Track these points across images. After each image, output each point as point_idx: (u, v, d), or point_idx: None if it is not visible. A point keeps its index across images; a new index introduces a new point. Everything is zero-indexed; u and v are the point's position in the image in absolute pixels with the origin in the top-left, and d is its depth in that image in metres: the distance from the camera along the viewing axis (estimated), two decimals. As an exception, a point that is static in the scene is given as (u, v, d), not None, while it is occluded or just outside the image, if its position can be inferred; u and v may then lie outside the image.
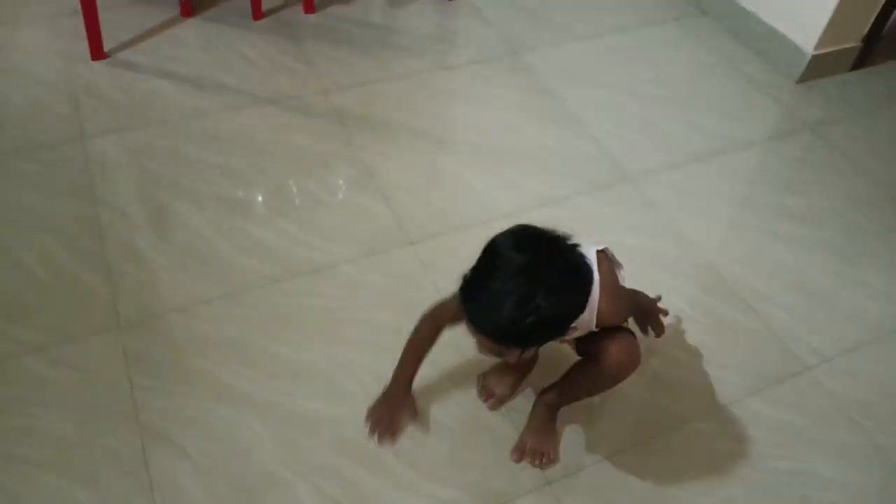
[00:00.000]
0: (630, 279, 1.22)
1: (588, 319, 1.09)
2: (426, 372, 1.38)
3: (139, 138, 1.81)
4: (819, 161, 1.96)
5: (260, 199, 1.70)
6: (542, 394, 1.31)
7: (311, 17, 2.27)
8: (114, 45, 2.07)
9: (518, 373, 1.37)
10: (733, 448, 1.33)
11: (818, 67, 2.16)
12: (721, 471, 1.30)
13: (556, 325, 1.01)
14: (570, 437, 1.32)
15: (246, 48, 2.11)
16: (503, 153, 1.88)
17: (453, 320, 1.18)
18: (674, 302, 1.53)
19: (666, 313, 1.36)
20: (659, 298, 1.38)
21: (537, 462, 1.27)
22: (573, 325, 1.04)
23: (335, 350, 1.41)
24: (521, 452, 1.28)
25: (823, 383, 1.44)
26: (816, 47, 2.11)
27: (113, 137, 1.80)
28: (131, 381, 1.34)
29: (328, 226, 1.64)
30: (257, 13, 2.20)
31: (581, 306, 1.03)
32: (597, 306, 1.08)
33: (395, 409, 1.30)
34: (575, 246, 1.02)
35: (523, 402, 1.35)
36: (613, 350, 1.14)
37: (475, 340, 1.05)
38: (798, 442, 1.35)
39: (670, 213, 1.73)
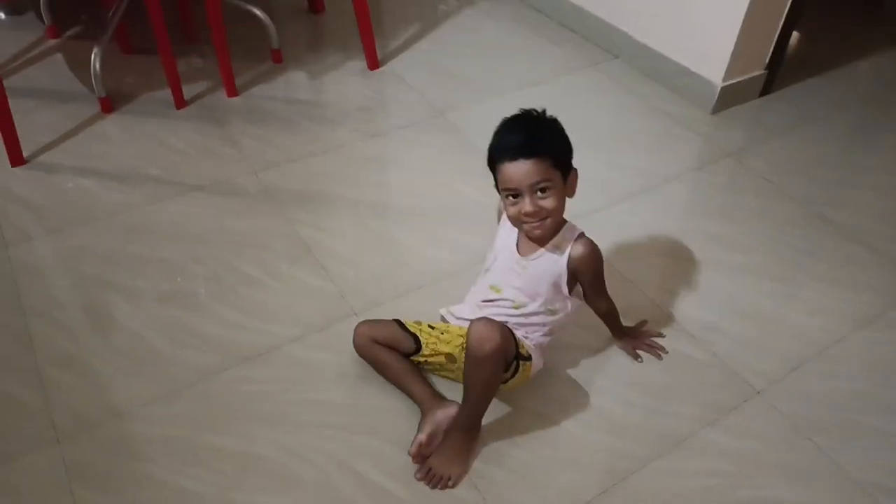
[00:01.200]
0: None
1: (570, 239, 1.34)
2: (377, 446, 1.35)
3: (66, 240, 1.76)
4: (743, 186, 2.02)
5: (195, 288, 1.66)
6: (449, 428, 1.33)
7: (235, 99, 2.28)
8: (34, 148, 2.03)
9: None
10: (698, 484, 1.32)
11: (729, 97, 2.26)
12: (688, 508, 1.28)
13: (568, 144, 1.31)
14: (537, 494, 1.29)
15: (171, 137, 2.10)
16: (439, 213, 1.89)
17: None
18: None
19: (660, 335, 1.58)
20: (645, 322, 1.59)
21: (435, 486, 1.29)
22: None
23: (284, 436, 1.36)
24: (424, 473, 1.30)
25: (776, 406, 1.45)
26: (724, 79, 2.21)
27: (38, 242, 1.76)
28: (74, 495, 1.27)
29: (269, 307, 1.61)
30: (179, 102, 2.20)
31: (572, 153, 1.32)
32: (578, 236, 1.34)
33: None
34: None
35: (489, 469, 1.32)
36: (474, 326, 1.22)
37: (510, 196, 1.27)
38: (760, 468, 1.35)
39: (608, 255, 1.76)
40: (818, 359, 1.55)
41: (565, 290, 1.36)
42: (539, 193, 1.26)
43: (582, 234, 1.35)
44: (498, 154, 1.27)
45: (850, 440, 1.40)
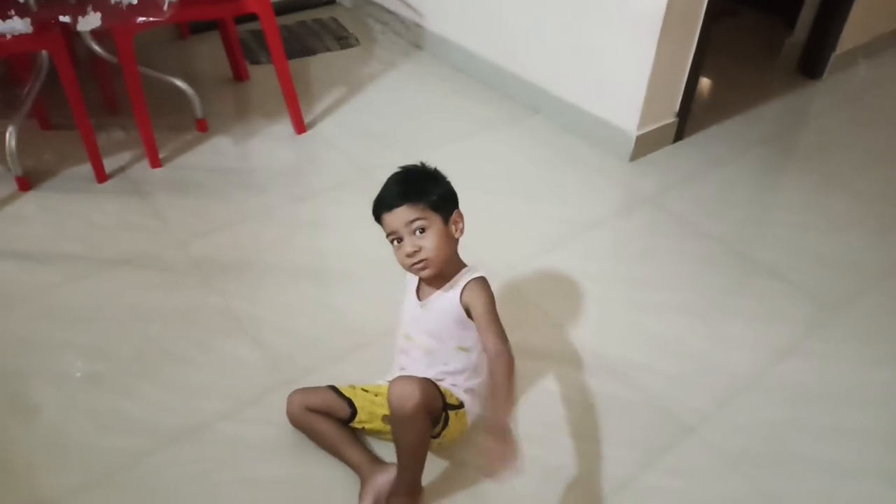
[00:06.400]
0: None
1: (465, 280, 1.34)
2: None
3: (-20, 328, 1.69)
4: (662, 229, 2.10)
5: (120, 369, 1.60)
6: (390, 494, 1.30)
7: (159, 170, 2.25)
8: (-54, 233, 1.96)
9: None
10: (639, 528, 1.33)
11: (644, 145, 2.37)
12: (632, 554, 1.29)
13: (447, 187, 1.37)
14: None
15: (92, 213, 2.05)
16: (373, 273, 1.88)
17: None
18: (555, 388, 1.56)
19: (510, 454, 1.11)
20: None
21: None
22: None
23: (218, 518, 1.32)
24: None
25: (709, 441, 1.49)
26: (639, 128, 2.31)
27: (-51, 332, 1.68)
28: None
29: (197, 383, 1.57)
30: (101, 176, 2.16)
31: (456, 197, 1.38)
32: (471, 277, 1.34)
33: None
34: None
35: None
36: (392, 386, 1.22)
37: (394, 242, 1.31)
38: (697, 507, 1.37)
39: (539, 302, 1.79)
40: (746, 391, 1.60)
41: (471, 322, 1.34)
42: (418, 234, 1.30)
43: (481, 277, 1.36)
44: (377, 208, 1.34)
45: (781, 469, 1.44)
